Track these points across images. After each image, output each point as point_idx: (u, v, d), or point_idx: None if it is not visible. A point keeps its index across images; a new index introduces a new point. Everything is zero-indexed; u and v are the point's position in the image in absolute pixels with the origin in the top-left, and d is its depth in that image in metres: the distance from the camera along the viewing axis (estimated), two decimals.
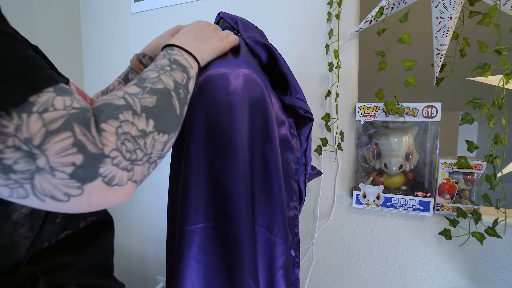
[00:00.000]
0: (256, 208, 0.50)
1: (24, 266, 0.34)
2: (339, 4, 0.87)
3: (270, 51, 0.54)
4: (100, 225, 0.45)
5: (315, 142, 0.95)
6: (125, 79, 0.62)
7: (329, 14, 0.90)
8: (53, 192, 0.25)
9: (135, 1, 1.25)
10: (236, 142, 0.46)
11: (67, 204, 0.26)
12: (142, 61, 0.59)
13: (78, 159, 0.25)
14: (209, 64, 0.47)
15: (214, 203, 0.47)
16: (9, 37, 0.26)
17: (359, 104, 0.87)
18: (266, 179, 0.50)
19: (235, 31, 0.58)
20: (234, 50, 0.52)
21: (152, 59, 0.58)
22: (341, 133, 0.91)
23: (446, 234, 0.78)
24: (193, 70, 0.42)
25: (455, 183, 0.79)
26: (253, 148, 0.48)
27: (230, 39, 0.50)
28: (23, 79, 0.25)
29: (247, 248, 0.47)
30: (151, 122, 0.32)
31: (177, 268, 0.47)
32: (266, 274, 0.53)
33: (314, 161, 0.97)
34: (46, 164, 0.24)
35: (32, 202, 0.25)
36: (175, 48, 0.42)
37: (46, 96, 0.25)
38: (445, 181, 0.80)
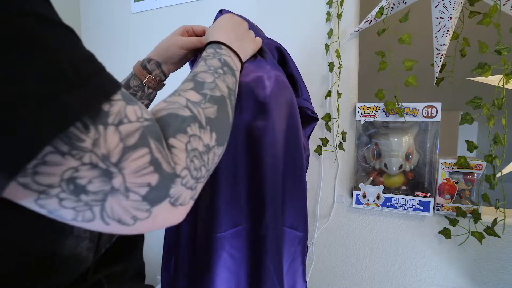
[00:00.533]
0: (284, 208, 0.51)
1: (91, 275, 0.33)
2: (341, 4, 0.87)
3: (282, 53, 0.56)
4: None
5: (315, 142, 0.95)
6: (126, 87, 0.58)
7: (329, 14, 0.90)
8: (122, 215, 0.23)
9: (135, 1, 1.25)
10: (270, 146, 0.46)
11: (130, 227, 0.24)
12: (147, 66, 0.55)
13: (154, 179, 0.23)
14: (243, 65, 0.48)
15: (246, 208, 0.47)
16: (70, 31, 0.23)
17: (359, 104, 0.87)
18: (294, 180, 0.52)
19: None
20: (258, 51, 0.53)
21: (158, 63, 0.55)
22: (343, 133, 0.90)
23: (445, 233, 0.78)
24: (238, 73, 0.41)
25: (455, 183, 0.79)
26: (285, 150, 0.50)
27: (258, 41, 0.51)
28: (94, 83, 0.22)
29: (275, 251, 0.47)
30: (214, 136, 0.30)
31: (205, 276, 0.46)
32: (288, 271, 0.54)
33: (314, 161, 0.97)
34: (121, 185, 0.22)
35: (96, 225, 0.23)
36: (223, 46, 0.41)
37: (119, 105, 0.23)
38: (445, 181, 0.80)
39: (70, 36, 0.23)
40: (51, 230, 0.28)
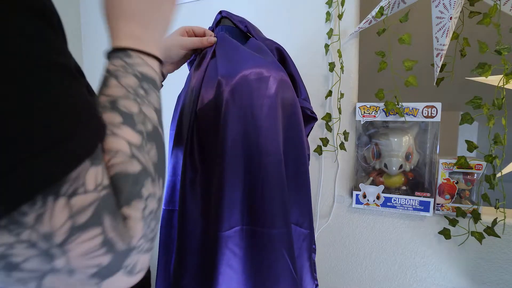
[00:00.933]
0: (289, 207, 0.52)
1: None
2: (342, 4, 0.87)
3: (282, 54, 0.56)
4: None
5: (315, 142, 0.95)
6: None
7: (328, 14, 0.90)
8: None
9: None
10: (274, 144, 0.46)
11: None
12: None
13: (106, 260, 0.21)
14: (241, 57, 0.47)
15: (249, 207, 0.47)
16: (78, 81, 0.20)
17: (359, 104, 0.87)
18: (298, 177, 0.52)
19: (246, 33, 0.59)
20: (256, 49, 0.53)
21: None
22: (345, 133, 0.90)
23: (445, 233, 0.78)
24: (159, 77, 0.32)
25: (455, 183, 0.79)
26: (287, 148, 0.50)
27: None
28: (59, 146, 0.19)
29: (287, 247, 0.48)
30: (161, 182, 0.27)
31: (209, 275, 0.47)
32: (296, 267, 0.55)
33: (314, 161, 0.97)
34: (65, 266, 0.19)
35: None
36: (132, 54, 0.29)
37: (78, 170, 0.20)
38: (445, 181, 0.80)
39: (59, 83, 0.20)
40: None
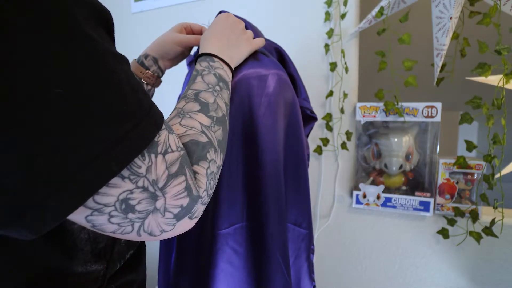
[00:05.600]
0: (287, 204, 0.52)
1: (105, 286, 0.36)
2: (345, 4, 0.87)
3: (281, 54, 0.57)
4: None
5: (315, 142, 0.95)
6: None
7: (327, 14, 0.90)
8: (154, 229, 0.26)
9: (135, 1, 1.25)
10: (274, 143, 0.46)
11: (156, 237, 0.27)
12: (144, 62, 0.54)
13: (185, 201, 0.27)
14: (242, 61, 0.48)
15: (249, 205, 0.48)
16: (128, 64, 0.26)
17: (359, 104, 0.87)
18: (297, 177, 0.53)
19: None
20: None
21: (155, 59, 0.54)
22: (347, 133, 0.90)
23: (443, 233, 0.78)
24: (230, 83, 0.43)
25: (455, 183, 0.79)
26: (286, 147, 0.50)
27: (257, 42, 0.50)
28: (151, 115, 0.25)
29: (278, 248, 0.48)
30: (222, 156, 0.34)
31: (208, 274, 0.47)
32: (291, 268, 0.55)
33: (314, 161, 0.97)
34: (162, 206, 0.25)
35: (130, 236, 0.26)
36: (215, 59, 0.42)
37: (164, 135, 0.26)
38: (445, 181, 0.80)
39: (130, 70, 0.26)
40: (59, 251, 0.30)
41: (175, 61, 0.57)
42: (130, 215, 0.24)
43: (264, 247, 0.47)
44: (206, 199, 0.30)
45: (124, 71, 0.25)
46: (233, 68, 0.44)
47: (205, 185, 0.29)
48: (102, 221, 0.23)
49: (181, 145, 0.28)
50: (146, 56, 0.55)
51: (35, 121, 0.19)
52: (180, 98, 0.37)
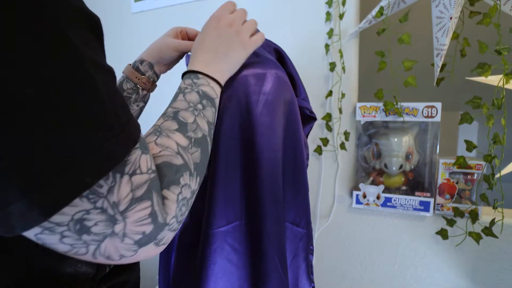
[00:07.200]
0: (285, 203, 0.52)
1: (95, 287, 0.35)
2: (344, 3, 0.87)
3: (280, 54, 0.57)
4: None
5: (315, 142, 0.95)
6: (120, 89, 0.57)
7: (328, 14, 0.90)
8: (112, 253, 0.25)
9: (135, 1, 1.25)
10: (271, 141, 0.46)
11: (114, 262, 0.26)
12: (139, 67, 0.53)
13: (149, 228, 0.25)
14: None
15: (246, 203, 0.47)
16: (113, 75, 0.25)
17: (359, 104, 0.87)
18: (296, 176, 0.52)
19: None
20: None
21: (151, 64, 0.54)
22: (346, 133, 0.90)
23: (442, 233, 0.78)
24: (218, 99, 0.41)
25: (455, 183, 0.79)
26: (285, 146, 0.50)
27: (255, 41, 0.46)
28: (126, 130, 0.24)
29: (275, 247, 0.48)
30: (198, 180, 0.32)
31: (206, 272, 0.46)
32: (289, 267, 0.54)
33: (314, 161, 0.97)
34: (121, 230, 0.24)
35: (85, 257, 0.25)
36: (200, 76, 0.40)
37: (136, 154, 0.25)
38: (445, 181, 0.80)
39: (112, 81, 0.25)
40: (48, 252, 0.29)
41: (170, 65, 0.58)
42: (85, 237, 0.23)
43: (260, 246, 0.47)
44: (175, 226, 0.29)
45: (105, 81, 0.23)
46: (223, 83, 0.42)
47: (175, 212, 0.28)
48: (53, 241, 0.22)
49: (153, 167, 0.27)
50: (141, 61, 0.54)
51: (2, 122, 0.18)
52: (160, 116, 0.36)
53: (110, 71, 0.25)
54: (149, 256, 0.28)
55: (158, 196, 0.26)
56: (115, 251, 0.25)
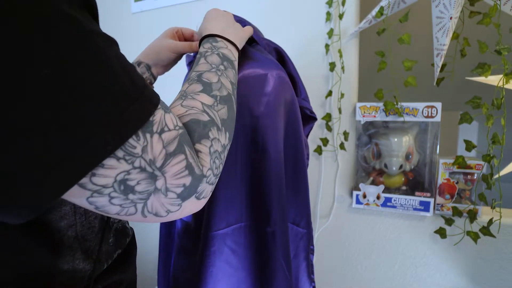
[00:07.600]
0: (285, 205, 0.51)
1: (92, 286, 0.36)
2: (343, 3, 0.87)
3: (280, 54, 0.57)
4: (132, 239, 0.46)
5: (315, 142, 0.95)
6: None
7: (328, 14, 0.90)
8: (159, 210, 0.26)
9: (135, 1, 1.25)
10: (273, 142, 0.46)
11: (163, 218, 0.27)
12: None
13: (188, 180, 0.27)
14: (241, 62, 0.48)
15: (248, 204, 0.48)
16: (117, 45, 0.26)
17: (359, 104, 0.87)
18: (296, 176, 0.53)
19: None
20: (255, 48, 0.53)
21: (148, 66, 0.54)
22: (345, 133, 0.90)
23: (441, 232, 0.78)
24: (237, 62, 0.43)
25: (455, 183, 0.79)
26: (286, 146, 0.50)
27: (248, 29, 0.51)
28: (145, 94, 0.25)
29: (280, 247, 0.48)
30: (227, 135, 0.34)
31: (205, 274, 0.47)
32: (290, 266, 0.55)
33: (314, 161, 0.97)
34: (163, 186, 0.25)
35: (135, 218, 0.26)
36: (218, 39, 0.42)
37: (159, 114, 0.26)
38: (445, 181, 0.80)
39: (119, 50, 0.26)
40: (45, 249, 0.30)
41: (168, 67, 0.57)
42: (131, 196, 0.24)
43: (266, 247, 0.47)
44: (213, 179, 0.30)
45: (114, 51, 0.24)
46: (239, 48, 0.44)
47: (209, 164, 0.29)
48: (103, 203, 0.24)
49: (180, 124, 0.28)
50: (139, 63, 0.54)
51: (27, 104, 0.19)
52: (185, 81, 0.37)
53: (116, 43, 0.26)
54: (193, 211, 0.29)
55: (190, 149, 0.27)
56: (161, 206, 0.26)
